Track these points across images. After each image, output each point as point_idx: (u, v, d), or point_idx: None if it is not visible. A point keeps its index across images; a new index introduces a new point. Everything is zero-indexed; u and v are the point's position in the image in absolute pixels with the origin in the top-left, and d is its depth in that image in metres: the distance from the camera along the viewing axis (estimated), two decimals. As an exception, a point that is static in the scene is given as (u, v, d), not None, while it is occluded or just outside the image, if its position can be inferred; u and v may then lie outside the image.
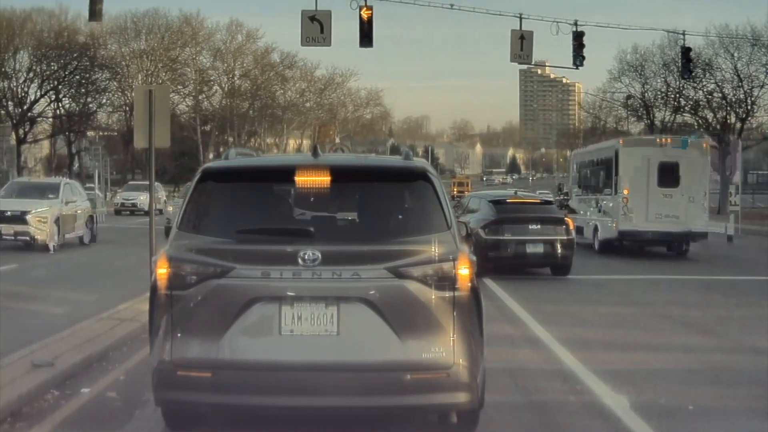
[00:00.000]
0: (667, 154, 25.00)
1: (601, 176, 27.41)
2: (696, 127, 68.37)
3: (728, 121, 63.87)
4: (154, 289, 6.16)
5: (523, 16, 29.50)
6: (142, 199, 47.73)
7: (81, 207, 25.93)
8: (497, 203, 19.86)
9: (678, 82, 64.08)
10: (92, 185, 46.61)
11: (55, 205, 23.85)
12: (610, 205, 25.68)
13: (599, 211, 26.80)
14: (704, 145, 26.32)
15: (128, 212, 49.34)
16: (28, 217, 22.89)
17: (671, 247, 25.97)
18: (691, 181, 24.72)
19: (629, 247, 26.12)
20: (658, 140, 26.65)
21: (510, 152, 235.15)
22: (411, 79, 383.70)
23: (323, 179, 6.38)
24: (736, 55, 61.53)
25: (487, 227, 18.82)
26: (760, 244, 32.20)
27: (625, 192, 24.88)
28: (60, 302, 13.70)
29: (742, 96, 62.58)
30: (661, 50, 65.20)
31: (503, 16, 32.47)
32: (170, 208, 31.51)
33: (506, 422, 7.34)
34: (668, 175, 24.64)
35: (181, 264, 6.04)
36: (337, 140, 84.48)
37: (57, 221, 23.71)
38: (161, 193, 50.51)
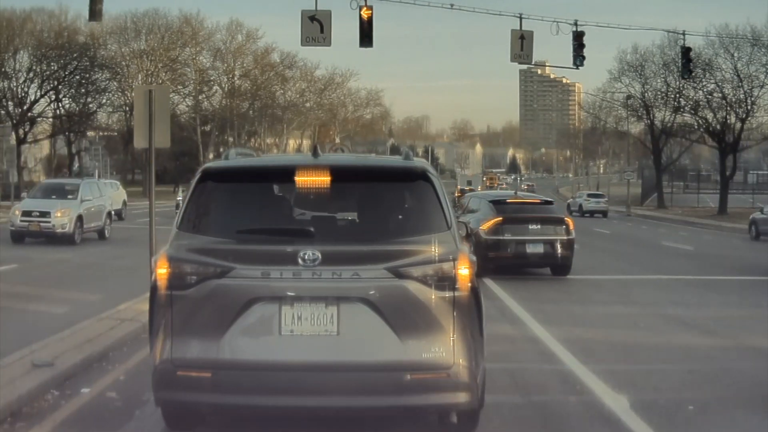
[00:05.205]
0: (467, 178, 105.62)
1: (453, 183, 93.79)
2: (696, 127, 68.50)
3: (728, 121, 63.88)
4: (154, 289, 6.15)
5: (523, 16, 29.49)
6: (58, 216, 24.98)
7: None
8: (497, 203, 19.82)
9: (678, 82, 64.19)
10: None
11: None
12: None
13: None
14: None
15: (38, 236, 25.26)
16: None
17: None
18: (474, 182, 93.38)
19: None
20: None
21: (510, 152, 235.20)
22: (411, 79, 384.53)
23: (323, 179, 6.37)
24: (736, 55, 61.69)
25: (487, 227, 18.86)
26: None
27: (457, 189, 71.97)
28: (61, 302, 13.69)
29: (742, 96, 62.62)
30: (661, 50, 65.42)
31: (503, 16, 32.37)
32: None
33: (506, 422, 7.33)
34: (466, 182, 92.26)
35: (181, 264, 6.03)
36: (337, 140, 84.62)
37: None
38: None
